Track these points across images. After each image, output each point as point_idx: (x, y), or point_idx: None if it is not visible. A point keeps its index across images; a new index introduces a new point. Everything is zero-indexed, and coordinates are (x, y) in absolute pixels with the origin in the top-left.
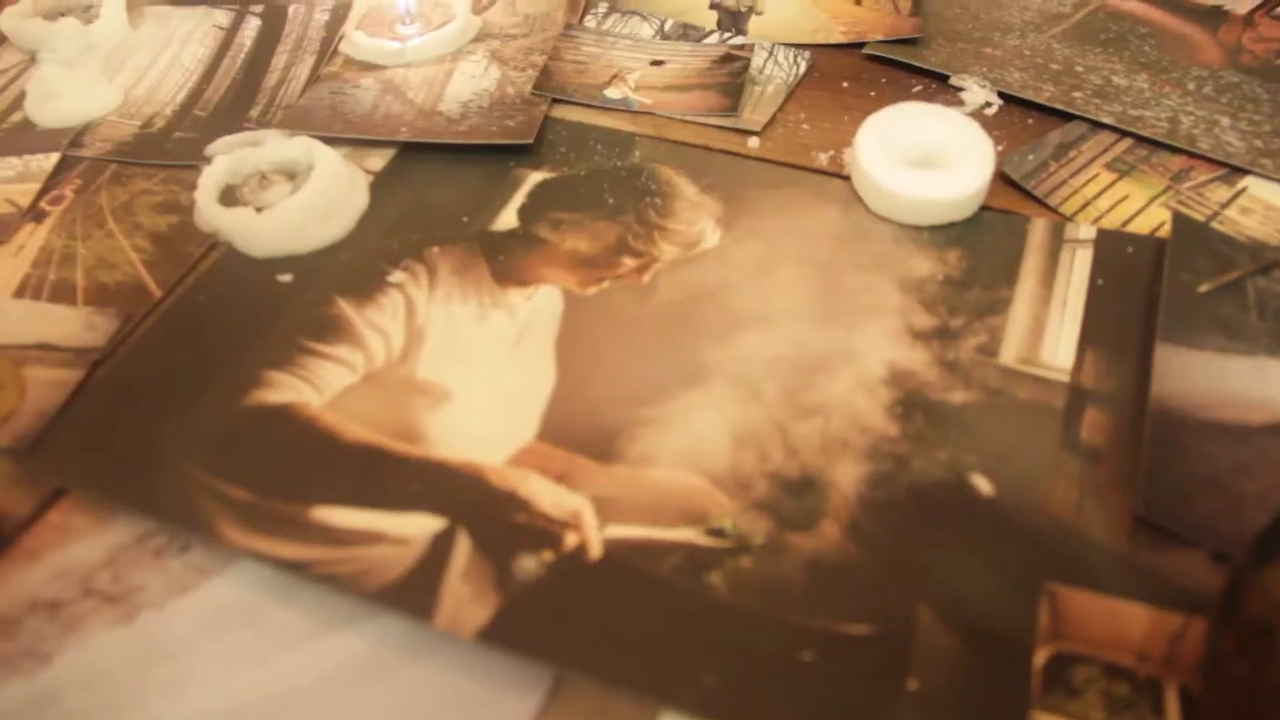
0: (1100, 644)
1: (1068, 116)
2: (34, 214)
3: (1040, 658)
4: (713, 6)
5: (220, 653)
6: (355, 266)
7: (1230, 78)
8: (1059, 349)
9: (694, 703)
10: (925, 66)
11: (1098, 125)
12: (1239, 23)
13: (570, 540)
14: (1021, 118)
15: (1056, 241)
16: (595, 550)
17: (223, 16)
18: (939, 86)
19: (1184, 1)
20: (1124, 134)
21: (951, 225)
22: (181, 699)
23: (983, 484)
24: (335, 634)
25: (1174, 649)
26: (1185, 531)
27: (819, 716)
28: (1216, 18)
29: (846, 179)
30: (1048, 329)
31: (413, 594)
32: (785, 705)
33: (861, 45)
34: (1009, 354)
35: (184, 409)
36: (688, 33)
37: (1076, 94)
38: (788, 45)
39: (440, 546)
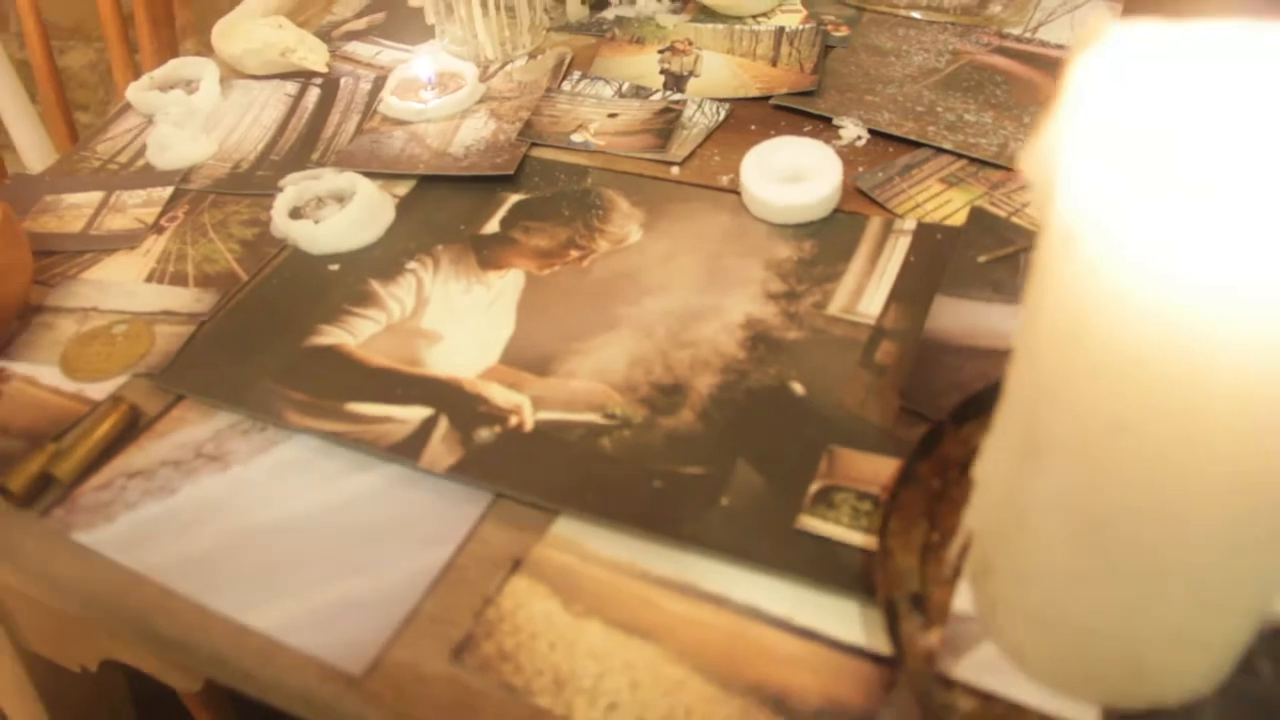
0: (858, 480)
1: (920, 145)
2: (156, 229)
3: (813, 489)
4: (662, 72)
5: (285, 487)
6: (383, 259)
7: None
8: (872, 303)
9: (578, 510)
10: (815, 111)
11: (940, 150)
12: None
13: (513, 420)
14: (885, 147)
15: (886, 232)
16: (528, 426)
17: (291, 87)
18: (825, 126)
19: (1037, 54)
20: (960, 156)
21: (810, 223)
22: (259, 513)
23: (798, 388)
24: (359, 474)
25: None
26: (933, 415)
27: (659, 516)
28: (1060, 66)
29: (738, 194)
30: (866, 290)
31: (408, 449)
32: (638, 511)
33: (769, 98)
34: (835, 307)
35: (263, 349)
36: (639, 92)
37: (931, 128)
38: (713, 99)
39: (428, 424)
